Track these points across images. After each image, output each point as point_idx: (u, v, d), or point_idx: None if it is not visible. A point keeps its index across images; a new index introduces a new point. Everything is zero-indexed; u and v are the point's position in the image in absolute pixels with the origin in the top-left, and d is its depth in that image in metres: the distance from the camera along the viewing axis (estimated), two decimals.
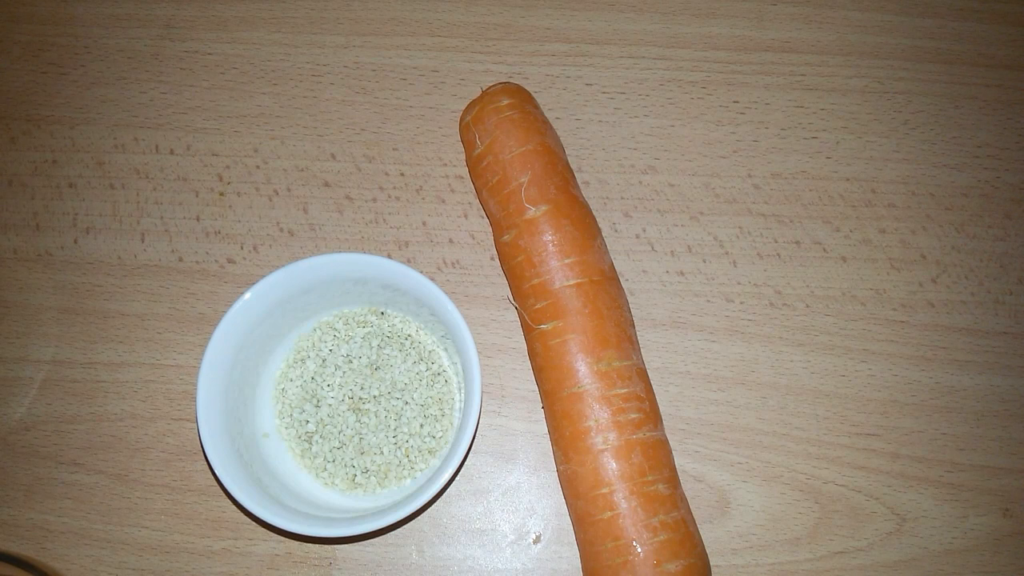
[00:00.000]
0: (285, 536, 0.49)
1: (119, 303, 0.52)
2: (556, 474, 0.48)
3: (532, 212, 0.47)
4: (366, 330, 0.50)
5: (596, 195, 0.54)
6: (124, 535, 0.49)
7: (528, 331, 0.47)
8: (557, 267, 0.46)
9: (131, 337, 0.52)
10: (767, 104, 0.56)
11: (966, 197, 0.54)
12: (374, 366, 0.49)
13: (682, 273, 0.53)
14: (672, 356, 0.52)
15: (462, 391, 0.48)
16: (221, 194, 0.54)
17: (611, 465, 0.44)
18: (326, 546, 0.49)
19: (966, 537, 0.49)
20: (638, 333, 0.49)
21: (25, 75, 0.56)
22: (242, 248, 0.53)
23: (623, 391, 0.45)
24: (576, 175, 0.51)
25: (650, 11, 0.57)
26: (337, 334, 0.50)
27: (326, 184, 0.54)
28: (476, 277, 0.53)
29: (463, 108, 0.51)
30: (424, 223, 0.54)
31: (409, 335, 0.50)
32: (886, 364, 0.52)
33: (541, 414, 0.49)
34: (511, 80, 0.55)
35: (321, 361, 0.49)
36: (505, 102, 0.49)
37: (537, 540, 0.49)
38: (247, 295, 0.44)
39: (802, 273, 0.53)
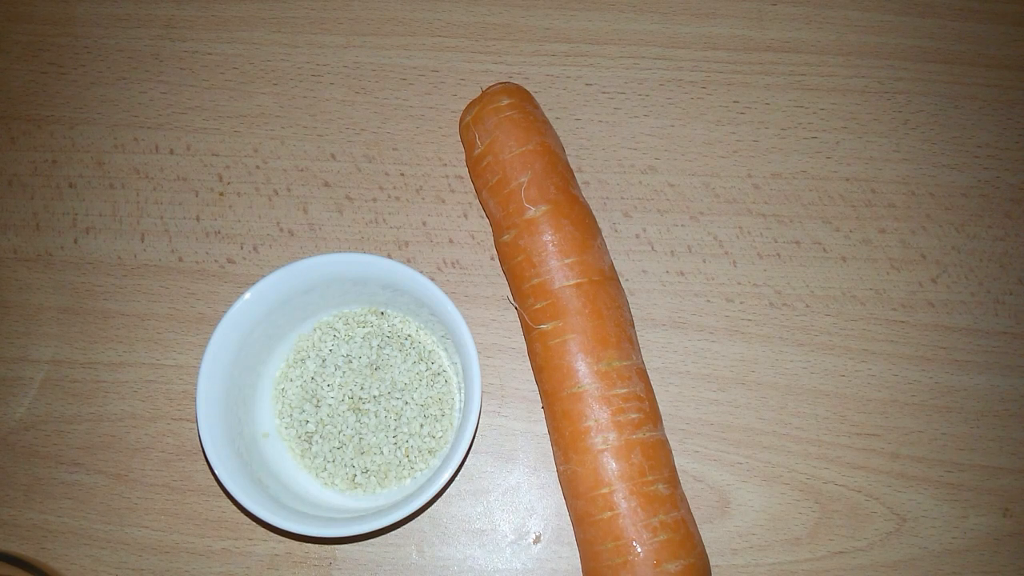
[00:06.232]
0: (285, 536, 0.49)
1: (119, 303, 0.52)
2: (556, 474, 0.48)
3: (532, 212, 0.47)
4: (366, 330, 0.50)
5: (596, 195, 0.54)
6: (124, 535, 0.49)
7: (528, 331, 0.47)
8: (557, 267, 0.46)
9: (131, 337, 0.52)
10: (767, 104, 0.56)
11: (966, 197, 0.54)
12: (374, 366, 0.49)
13: (682, 273, 0.53)
14: (672, 356, 0.52)
15: (462, 391, 0.48)
16: (221, 194, 0.54)
17: (611, 465, 0.44)
18: (326, 546, 0.49)
19: (966, 537, 0.49)
20: (638, 333, 0.49)
21: (25, 75, 0.56)
22: (242, 248, 0.53)
23: (623, 391, 0.45)
24: (576, 175, 0.51)
25: (650, 11, 0.57)
26: (337, 334, 0.50)
27: (326, 184, 0.54)
28: (476, 277, 0.53)
29: (463, 108, 0.51)
30: (424, 223, 0.54)
31: (409, 335, 0.50)
32: (886, 364, 0.52)
33: (541, 414, 0.49)
34: (511, 80, 0.55)
35: (321, 361, 0.49)
36: (505, 102, 0.49)
37: (537, 540, 0.49)
38: (247, 295, 0.44)
39: (802, 273, 0.53)
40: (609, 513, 0.43)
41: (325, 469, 0.48)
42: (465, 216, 0.54)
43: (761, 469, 0.50)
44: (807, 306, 0.52)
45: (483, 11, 0.57)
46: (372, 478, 0.47)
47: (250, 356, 0.46)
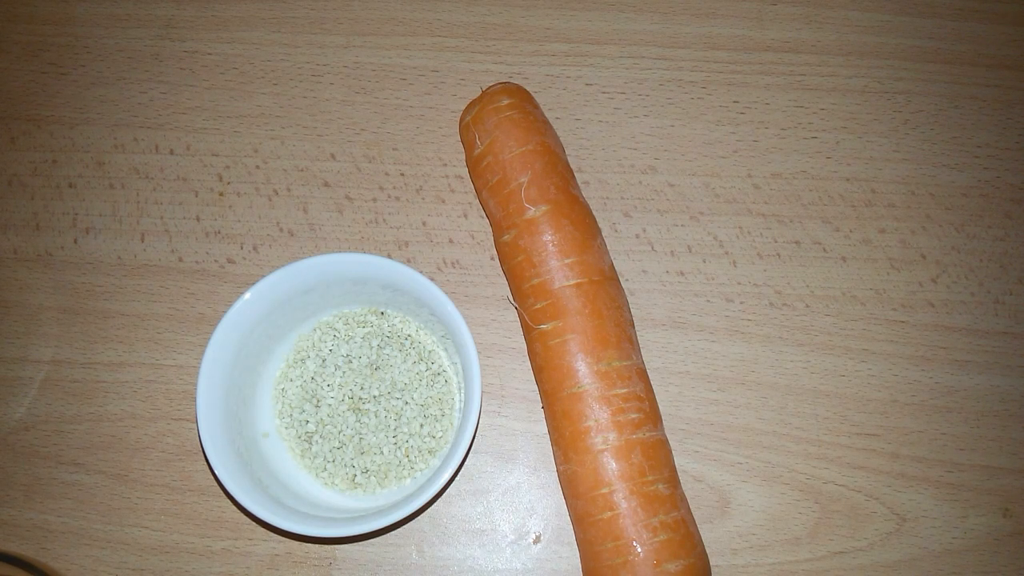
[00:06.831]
0: (285, 536, 0.49)
1: (119, 303, 0.52)
2: (556, 474, 0.48)
3: (532, 212, 0.47)
4: (366, 330, 0.50)
5: (596, 195, 0.54)
6: (124, 535, 0.49)
7: (528, 331, 0.47)
8: (557, 267, 0.46)
9: (131, 337, 0.52)
10: (767, 104, 0.56)
11: (966, 197, 0.54)
12: (374, 366, 0.49)
13: (682, 273, 0.53)
14: (672, 356, 0.52)
15: (462, 391, 0.48)
16: (221, 194, 0.54)
17: (611, 465, 0.44)
18: (326, 546, 0.49)
19: (966, 537, 0.49)
20: (638, 333, 0.49)
21: (25, 75, 0.56)
22: (242, 248, 0.53)
23: (623, 391, 0.45)
24: (576, 175, 0.51)
25: (650, 11, 0.57)
26: (337, 334, 0.50)
27: (326, 184, 0.54)
28: (476, 277, 0.53)
29: (463, 108, 0.51)
30: (424, 223, 0.54)
31: (409, 335, 0.50)
32: (886, 364, 0.52)
33: (541, 414, 0.49)
34: (511, 80, 0.55)
35: (321, 361, 0.49)
36: (505, 102, 0.49)
37: (537, 540, 0.49)
38: (247, 295, 0.44)
39: (802, 273, 0.53)
40: (609, 513, 0.43)
41: (325, 469, 0.48)
42: (465, 216, 0.54)
43: (761, 469, 0.50)
44: (807, 306, 0.52)
45: (483, 11, 0.57)
46: (372, 478, 0.47)
47: (250, 356, 0.46)
